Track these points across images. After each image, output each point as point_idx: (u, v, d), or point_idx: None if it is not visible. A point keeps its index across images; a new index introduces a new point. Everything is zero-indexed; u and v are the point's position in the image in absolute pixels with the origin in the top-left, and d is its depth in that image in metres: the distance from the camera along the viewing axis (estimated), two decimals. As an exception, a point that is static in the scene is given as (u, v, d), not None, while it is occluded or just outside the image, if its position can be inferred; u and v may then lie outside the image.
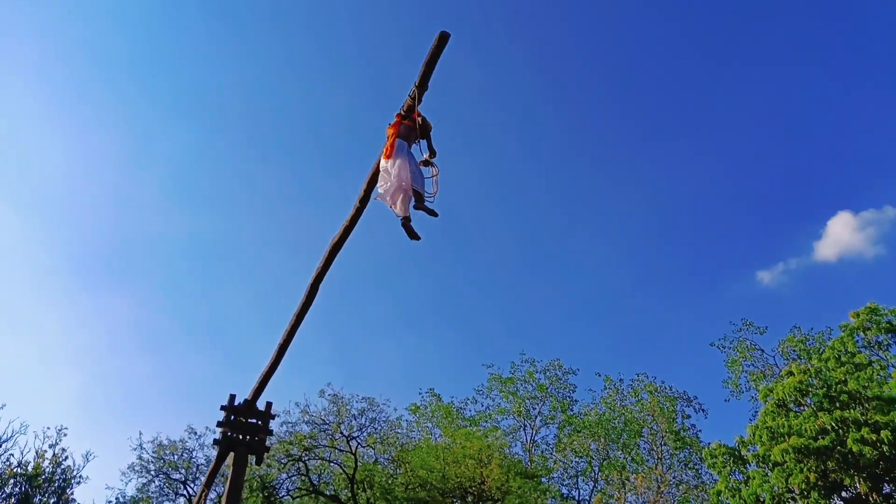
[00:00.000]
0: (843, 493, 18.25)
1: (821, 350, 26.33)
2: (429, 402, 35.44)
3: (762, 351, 33.18)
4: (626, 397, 34.57)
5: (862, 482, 17.20)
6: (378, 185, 7.09)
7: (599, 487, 30.73)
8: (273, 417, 12.09)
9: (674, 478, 30.63)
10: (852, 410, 17.88)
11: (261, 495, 23.07)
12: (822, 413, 18.19)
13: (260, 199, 69.48)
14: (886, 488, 17.72)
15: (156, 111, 65.88)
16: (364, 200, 8.31)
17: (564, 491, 30.80)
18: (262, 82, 67.37)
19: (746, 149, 62.09)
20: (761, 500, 18.64)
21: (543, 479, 28.51)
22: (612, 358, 59.47)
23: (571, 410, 35.59)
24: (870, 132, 58.36)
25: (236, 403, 11.57)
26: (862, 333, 22.16)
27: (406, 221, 7.04)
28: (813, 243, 60.01)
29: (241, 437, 11.43)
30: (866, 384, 19.50)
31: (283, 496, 24.78)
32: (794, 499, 18.29)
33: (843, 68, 57.81)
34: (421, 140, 7.27)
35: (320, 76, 68.49)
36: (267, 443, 11.87)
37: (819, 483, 17.38)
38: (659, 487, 28.97)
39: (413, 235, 7.10)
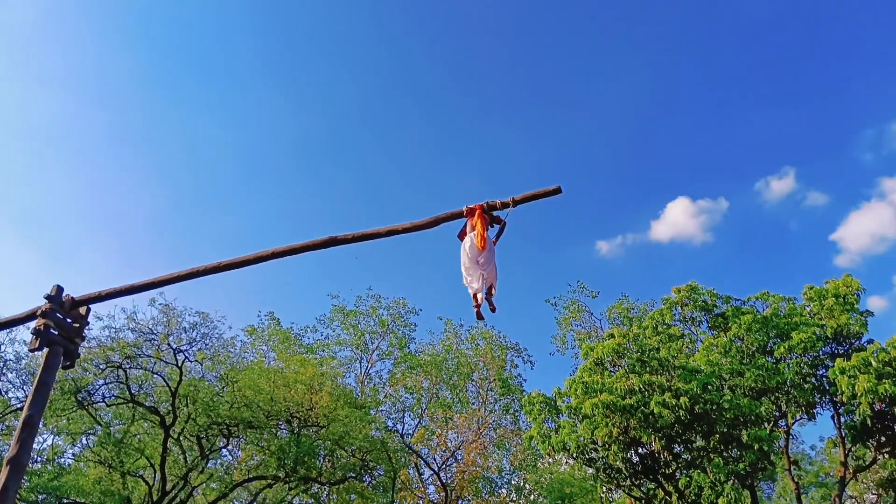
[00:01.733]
0: (640, 449, 20.02)
1: (642, 319, 28.35)
2: (267, 326, 34.95)
3: (591, 313, 35.53)
4: (463, 342, 35.85)
5: (657, 441, 18.85)
6: (463, 261, 8.09)
7: (424, 423, 31.85)
8: (88, 324, 11.34)
9: (494, 421, 32.32)
10: (659, 376, 19.28)
11: (73, 398, 21.80)
12: (633, 375, 19.51)
13: (107, 86, 64.25)
14: (677, 448, 19.64)
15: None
16: (424, 226, 8.50)
17: (390, 423, 31.67)
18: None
19: (606, 127, 65.07)
20: (567, 447, 20.02)
21: (371, 411, 29.09)
22: (456, 304, 61.32)
23: (408, 348, 36.46)
24: (718, 128, 62.84)
25: (62, 297, 10.70)
26: (680, 308, 24.08)
27: (479, 306, 8.17)
28: (650, 222, 64.38)
29: (58, 334, 10.66)
30: (676, 354, 21.26)
31: (98, 402, 23.56)
32: (595, 449, 19.81)
33: (702, 66, 61.43)
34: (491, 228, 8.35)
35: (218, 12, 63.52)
36: (79, 350, 11.14)
37: (620, 437, 18.87)
38: (479, 428, 30.47)
39: (479, 317, 8.41)
